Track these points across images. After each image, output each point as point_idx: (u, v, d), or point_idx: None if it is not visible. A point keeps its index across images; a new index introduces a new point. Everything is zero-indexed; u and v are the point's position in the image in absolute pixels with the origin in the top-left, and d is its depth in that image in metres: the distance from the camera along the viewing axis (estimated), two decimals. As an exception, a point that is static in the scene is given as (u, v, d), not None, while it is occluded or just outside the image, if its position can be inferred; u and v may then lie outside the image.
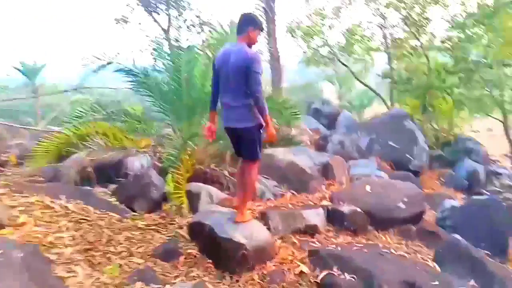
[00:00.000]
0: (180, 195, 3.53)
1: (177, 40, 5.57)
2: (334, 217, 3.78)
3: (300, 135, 5.28)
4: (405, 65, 10.52)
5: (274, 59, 10.43)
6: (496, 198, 5.28)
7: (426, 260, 3.52)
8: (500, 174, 9.93)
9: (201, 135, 4.75)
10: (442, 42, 9.72)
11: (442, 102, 9.53)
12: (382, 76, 11.49)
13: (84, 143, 4.13)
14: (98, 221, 3.27)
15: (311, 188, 4.42)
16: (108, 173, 4.22)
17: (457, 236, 3.57)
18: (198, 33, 10.39)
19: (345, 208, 3.79)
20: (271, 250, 3.08)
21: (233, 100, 2.88)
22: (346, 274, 2.84)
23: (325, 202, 4.16)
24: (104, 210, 3.48)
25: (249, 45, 2.95)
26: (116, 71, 5.12)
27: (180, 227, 3.36)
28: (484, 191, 7.56)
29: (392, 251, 3.48)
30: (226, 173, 4.62)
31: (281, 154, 4.73)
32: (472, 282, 3.16)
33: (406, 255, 3.48)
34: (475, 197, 5.09)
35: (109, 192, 3.98)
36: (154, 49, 5.63)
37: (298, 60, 13.72)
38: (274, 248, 3.14)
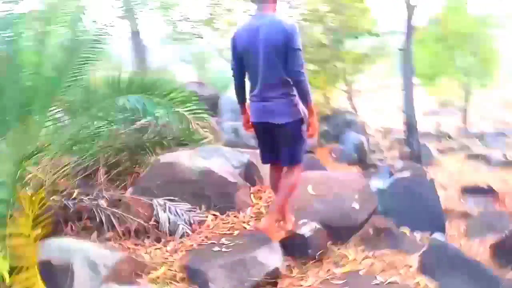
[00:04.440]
0: (28, 277, 1.77)
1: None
2: (291, 246, 2.58)
3: (200, 128, 3.84)
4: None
5: (134, 34, 8.40)
6: (420, 174, 4.95)
7: (414, 278, 2.67)
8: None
9: (44, 147, 2.90)
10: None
11: (317, 76, 9.31)
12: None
13: None
14: None
15: (239, 202, 3.11)
16: None
17: (438, 236, 2.85)
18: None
19: (305, 230, 2.63)
20: None
21: (268, 90, 2.30)
22: None
23: (264, 221, 2.91)
24: None
25: None
26: None
27: None
28: (377, 163, 7.55)
29: (379, 278, 2.51)
30: (102, 202, 2.90)
31: (187, 159, 3.24)
32: (480, 297, 2.46)
33: (396, 279, 2.54)
34: (397, 176, 4.63)
35: None
36: None
37: (159, 37, 11.79)
38: None
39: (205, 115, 3.44)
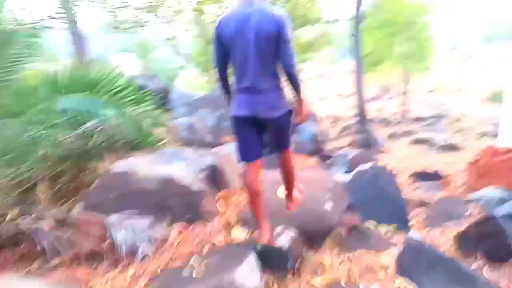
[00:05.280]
0: None
1: None
2: (269, 259, 2.37)
3: (155, 127, 3.45)
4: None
5: (71, 23, 7.55)
6: (381, 165, 4.94)
7: (393, 281, 2.59)
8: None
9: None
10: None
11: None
12: (207, 42, 10.19)
13: None
14: None
15: (205, 212, 2.83)
16: None
17: (414, 235, 2.79)
18: None
19: (283, 241, 2.43)
20: None
21: (259, 81, 2.18)
22: None
23: (236, 232, 2.69)
24: None
25: None
26: None
27: None
28: (332, 153, 7.57)
29: (361, 287, 2.40)
30: (44, 224, 2.47)
31: (143, 167, 2.89)
32: (459, 296, 2.43)
33: (378, 286, 2.44)
34: (360, 168, 4.58)
35: None
36: None
37: (98, 26, 10.83)
38: None
39: (163, 116, 3.11)
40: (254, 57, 2.14)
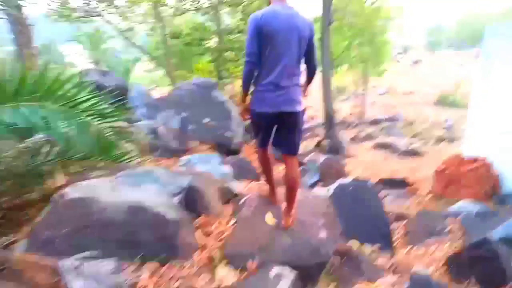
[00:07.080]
0: None
1: None
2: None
3: (124, 137, 2.89)
4: (193, 25, 8.89)
5: (14, 8, 6.55)
6: (363, 179, 4.69)
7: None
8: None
9: None
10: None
11: (237, 65, 8.63)
12: (169, 36, 9.48)
13: None
14: None
15: (183, 246, 2.36)
16: None
17: (418, 269, 2.53)
18: None
19: (283, 286, 2.04)
20: None
21: (286, 78, 2.30)
22: None
23: (223, 272, 2.25)
24: None
25: None
26: None
27: None
28: (301, 159, 7.30)
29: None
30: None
31: (107, 191, 2.35)
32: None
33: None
34: (341, 181, 4.29)
35: None
36: None
37: (44, 13, 9.70)
38: None
39: (139, 134, 2.60)
40: (291, 55, 2.26)
